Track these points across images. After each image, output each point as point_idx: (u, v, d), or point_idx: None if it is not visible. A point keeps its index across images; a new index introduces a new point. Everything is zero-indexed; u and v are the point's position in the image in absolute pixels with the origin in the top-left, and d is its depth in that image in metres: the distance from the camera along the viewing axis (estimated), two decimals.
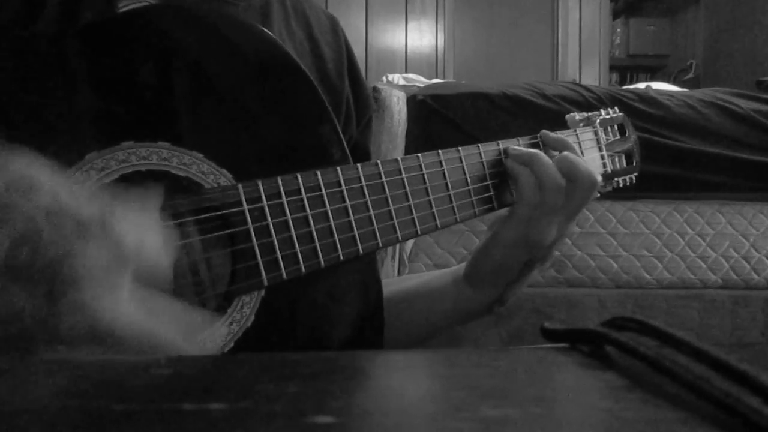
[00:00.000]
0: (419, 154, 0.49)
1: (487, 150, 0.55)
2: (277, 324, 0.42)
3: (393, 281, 0.66)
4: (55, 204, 0.27)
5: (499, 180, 0.55)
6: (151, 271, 0.30)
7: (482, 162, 0.54)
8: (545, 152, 0.57)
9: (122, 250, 0.28)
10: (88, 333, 0.26)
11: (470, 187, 0.52)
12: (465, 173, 0.52)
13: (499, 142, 0.56)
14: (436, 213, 0.50)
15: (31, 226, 0.26)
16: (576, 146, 0.60)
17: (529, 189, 0.53)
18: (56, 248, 0.26)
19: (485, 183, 0.54)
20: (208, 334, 0.40)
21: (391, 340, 0.59)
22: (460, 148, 0.52)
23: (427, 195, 0.49)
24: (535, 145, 0.59)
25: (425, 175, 0.49)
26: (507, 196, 0.56)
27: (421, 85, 1.78)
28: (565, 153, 0.55)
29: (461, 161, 0.52)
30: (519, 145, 0.57)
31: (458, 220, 0.51)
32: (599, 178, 0.56)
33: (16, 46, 0.38)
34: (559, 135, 0.60)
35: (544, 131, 0.60)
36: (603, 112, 0.68)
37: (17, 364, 0.24)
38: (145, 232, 0.31)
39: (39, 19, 0.44)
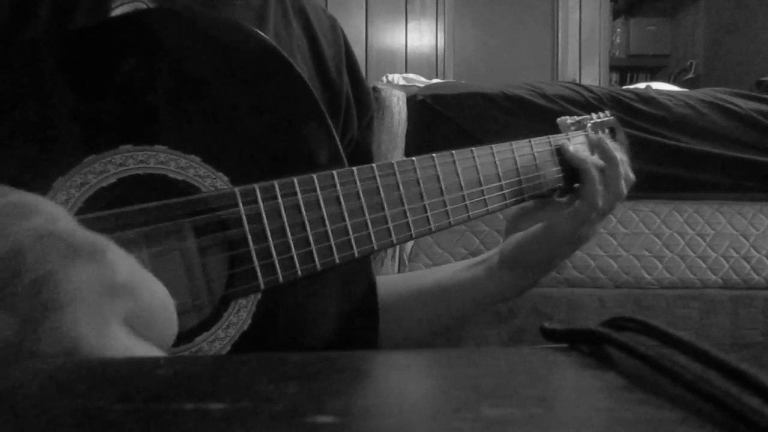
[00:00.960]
0: (414, 158, 0.50)
1: (481, 154, 0.54)
2: (274, 326, 0.42)
3: (409, 276, 0.67)
4: (46, 228, 0.26)
5: (499, 182, 0.55)
6: (147, 313, 0.28)
7: (476, 167, 0.54)
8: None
9: (114, 279, 0.26)
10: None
11: (464, 192, 0.53)
12: (458, 176, 0.52)
13: (492, 146, 0.56)
14: (430, 217, 0.50)
15: (15, 247, 0.25)
16: (624, 157, 0.63)
17: (597, 191, 0.58)
18: (39, 270, 0.25)
19: (480, 188, 0.54)
20: (205, 337, 0.40)
21: (405, 334, 0.60)
22: (454, 152, 0.52)
23: (422, 199, 0.49)
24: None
25: (419, 179, 0.49)
26: (506, 198, 0.56)
27: (421, 85, 1.78)
28: (617, 159, 0.60)
29: (455, 165, 0.52)
30: (569, 140, 0.61)
31: (451, 223, 0.52)
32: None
33: (10, 51, 0.38)
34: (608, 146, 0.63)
35: (599, 137, 0.63)
36: (594, 115, 0.69)
37: (18, 363, 0.24)
38: (143, 272, 0.29)
39: (31, 22, 0.43)
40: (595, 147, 0.63)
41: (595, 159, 0.61)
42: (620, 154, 0.61)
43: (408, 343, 0.61)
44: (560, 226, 0.58)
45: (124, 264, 0.27)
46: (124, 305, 0.27)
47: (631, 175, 0.61)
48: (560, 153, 0.61)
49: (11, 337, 0.24)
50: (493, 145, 0.56)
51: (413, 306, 0.63)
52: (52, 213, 0.27)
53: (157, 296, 0.29)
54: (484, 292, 0.62)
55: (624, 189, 0.60)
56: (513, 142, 0.58)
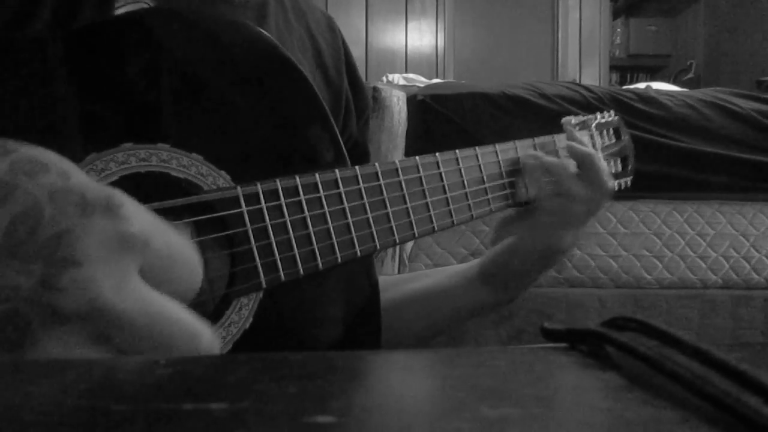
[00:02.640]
0: (417, 157, 0.50)
1: (484, 152, 0.55)
2: (274, 324, 0.42)
3: (399, 279, 0.66)
4: (60, 183, 0.26)
5: (499, 182, 0.55)
6: (166, 262, 0.28)
7: (479, 165, 0.54)
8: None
9: (129, 232, 0.26)
10: (87, 313, 0.25)
11: (467, 190, 0.53)
12: (462, 176, 0.52)
13: (496, 145, 0.56)
14: (433, 216, 0.50)
15: (32, 203, 0.25)
16: (600, 154, 0.61)
17: (550, 198, 0.55)
18: (57, 226, 0.25)
19: (483, 186, 0.54)
20: None
21: (397, 338, 0.59)
22: (457, 150, 0.53)
23: (425, 197, 0.49)
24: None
25: (423, 178, 0.49)
26: (506, 197, 0.56)
27: (421, 85, 1.79)
28: (591, 157, 0.56)
29: (458, 163, 0.52)
30: (535, 146, 0.58)
31: (455, 222, 0.52)
32: (615, 185, 0.58)
33: (12, 49, 0.38)
34: (579, 146, 0.60)
35: (564, 134, 0.60)
36: (599, 115, 0.69)
37: (17, 364, 0.24)
38: (158, 222, 0.29)
39: (33, 21, 0.43)
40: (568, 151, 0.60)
41: (553, 162, 0.57)
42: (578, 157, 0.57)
43: (398, 346, 0.61)
44: (524, 241, 0.56)
45: (139, 216, 0.28)
46: (141, 258, 0.27)
47: (606, 176, 0.57)
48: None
49: (32, 295, 0.24)
50: (496, 144, 0.56)
51: (403, 311, 0.62)
52: (63, 167, 0.27)
53: (175, 246, 0.29)
54: (463, 303, 0.61)
55: (600, 189, 0.55)
56: (516, 141, 0.58)
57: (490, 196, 0.55)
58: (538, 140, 0.60)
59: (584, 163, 0.56)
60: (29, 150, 0.27)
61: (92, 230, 0.26)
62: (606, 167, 0.57)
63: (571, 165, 0.57)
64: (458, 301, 0.61)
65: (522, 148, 0.58)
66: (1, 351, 0.24)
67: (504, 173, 0.56)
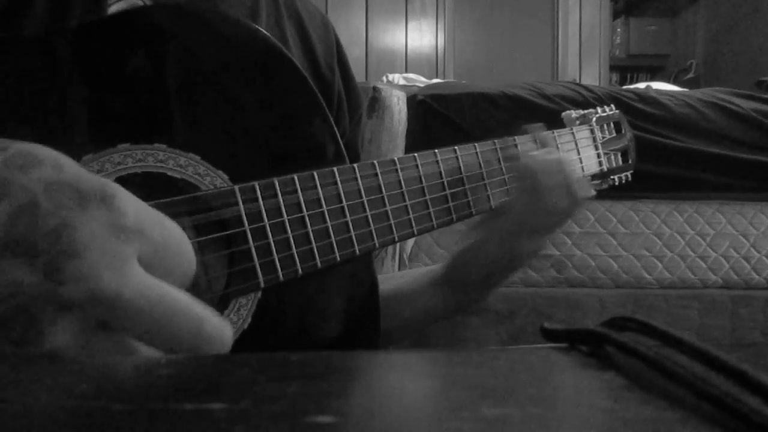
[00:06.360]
0: (416, 154, 0.50)
1: (484, 150, 0.55)
2: (273, 325, 0.42)
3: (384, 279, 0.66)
4: (54, 176, 0.27)
5: (497, 179, 0.55)
6: (161, 250, 0.28)
7: (479, 162, 0.54)
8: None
9: (125, 222, 0.27)
10: (91, 302, 0.25)
11: (467, 186, 0.53)
12: (462, 172, 0.52)
13: (495, 141, 0.56)
14: (432, 213, 0.50)
15: (28, 198, 0.25)
16: (572, 144, 0.61)
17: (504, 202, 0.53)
18: (55, 219, 0.25)
19: (482, 182, 0.54)
20: None
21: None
22: (457, 147, 0.52)
23: (424, 195, 0.49)
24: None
25: (422, 175, 0.49)
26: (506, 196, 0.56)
27: (421, 85, 1.79)
28: (564, 170, 0.55)
29: (459, 161, 0.52)
30: (516, 145, 0.58)
31: (454, 219, 0.52)
32: (580, 175, 0.57)
33: (5, 49, 0.38)
34: (548, 133, 0.60)
35: (537, 132, 0.60)
36: (599, 109, 0.68)
37: (17, 364, 0.24)
38: (151, 211, 0.29)
39: (26, 19, 0.43)
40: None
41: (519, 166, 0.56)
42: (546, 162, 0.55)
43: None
44: (490, 241, 0.56)
45: (133, 206, 0.28)
46: (138, 246, 0.27)
47: (578, 192, 0.55)
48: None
49: (36, 288, 0.25)
50: (495, 140, 0.56)
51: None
52: (56, 160, 0.28)
53: (168, 233, 0.29)
54: (425, 304, 0.60)
55: (568, 194, 0.54)
56: (517, 137, 0.58)
57: (490, 192, 0.55)
58: (520, 139, 0.60)
59: (550, 171, 0.55)
60: (21, 145, 0.28)
61: (89, 221, 0.26)
62: (574, 176, 0.55)
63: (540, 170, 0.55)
64: (421, 302, 0.60)
65: (520, 144, 0.58)
66: (9, 346, 0.25)
67: (504, 169, 0.56)
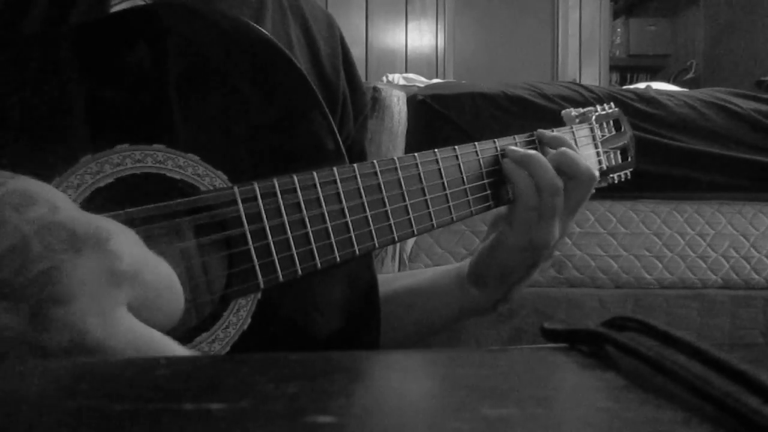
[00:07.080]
0: (416, 154, 0.49)
1: (484, 149, 0.55)
2: (273, 325, 0.42)
3: (396, 277, 0.66)
4: (48, 217, 0.26)
5: (496, 178, 0.55)
6: (153, 294, 0.28)
7: (479, 160, 0.54)
8: (542, 150, 0.58)
9: (118, 268, 0.26)
10: (76, 351, 0.24)
11: (467, 186, 0.52)
12: (461, 172, 0.52)
13: (496, 140, 0.56)
14: (432, 213, 0.50)
15: (20, 239, 0.25)
16: (572, 142, 0.60)
17: (527, 192, 0.53)
18: (44, 262, 0.25)
19: (482, 182, 0.54)
20: (204, 338, 0.40)
21: (392, 338, 0.59)
22: (456, 147, 0.52)
23: (424, 195, 0.49)
24: (531, 143, 0.59)
25: (422, 175, 0.49)
26: (504, 195, 0.56)
27: (421, 85, 1.78)
28: (563, 149, 0.55)
29: (458, 159, 0.52)
30: (516, 144, 0.57)
31: (454, 219, 0.51)
32: (597, 173, 0.57)
33: (3, 48, 0.37)
34: (556, 132, 0.60)
35: (540, 130, 0.60)
36: (599, 107, 0.68)
37: (17, 364, 0.24)
38: (146, 254, 0.29)
39: (26, 19, 0.43)
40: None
41: (517, 156, 0.55)
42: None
43: (385, 345, 0.60)
44: (506, 236, 0.55)
45: (128, 250, 0.28)
46: (130, 291, 0.27)
47: (581, 163, 0.54)
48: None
49: (20, 330, 0.24)
50: (495, 140, 0.56)
51: (389, 305, 0.60)
52: (52, 201, 0.27)
53: (161, 276, 0.29)
54: (458, 303, 0.60)
55: (557, 180, 0.53)
56: (516, 135, 0.58)
57: (489, 191, 0.54)
58: (519, 138, 0.59)
59: (529, 163, 0.54)
60: (18, 182, 0.27)
61: (81, 265, 0.26)
62: (579, 156, 0.55)
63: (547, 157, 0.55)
64: (445, 299, 0.60)
65: (520, 144, 0.58)
66: None
67: (485, 174, 0.55)
